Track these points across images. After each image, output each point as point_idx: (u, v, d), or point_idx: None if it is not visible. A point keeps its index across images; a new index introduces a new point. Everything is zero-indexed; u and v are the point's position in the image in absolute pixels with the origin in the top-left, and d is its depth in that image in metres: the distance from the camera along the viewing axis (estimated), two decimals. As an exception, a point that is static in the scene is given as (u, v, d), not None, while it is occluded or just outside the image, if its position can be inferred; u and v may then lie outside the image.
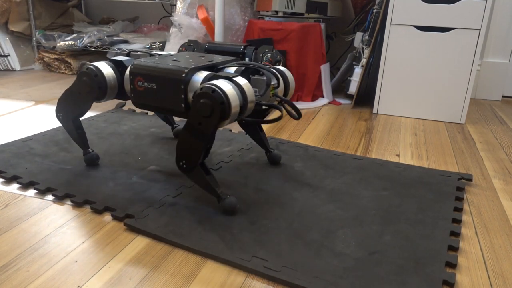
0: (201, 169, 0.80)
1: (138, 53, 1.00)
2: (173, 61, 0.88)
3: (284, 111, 0.86)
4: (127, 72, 0.91)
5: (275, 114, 1.48)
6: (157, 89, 0.84)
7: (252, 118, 0.99)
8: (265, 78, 0.87)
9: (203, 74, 0.82)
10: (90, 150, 0.99)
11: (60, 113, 0.98)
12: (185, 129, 0.79)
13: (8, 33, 2.14)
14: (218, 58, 0.93)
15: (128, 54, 1.00)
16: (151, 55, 0.98)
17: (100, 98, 0.92)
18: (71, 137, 0.99)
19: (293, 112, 0.85)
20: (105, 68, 0.92)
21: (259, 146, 1.16)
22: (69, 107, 0.96)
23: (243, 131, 1.29)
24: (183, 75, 0.81)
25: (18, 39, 2.18)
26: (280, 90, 0.94)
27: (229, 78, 0.79)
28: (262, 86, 0.88)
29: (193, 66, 0.83)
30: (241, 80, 0.79)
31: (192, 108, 0.77)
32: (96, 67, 0.91)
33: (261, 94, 0.87)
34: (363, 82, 1.68)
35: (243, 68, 0.88)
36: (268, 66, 0.91)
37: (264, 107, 0.96)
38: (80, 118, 0.99)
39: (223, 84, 0.76)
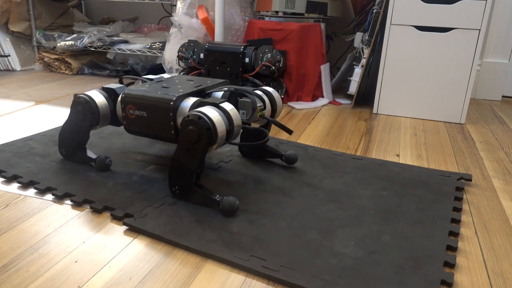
0: (194, 188, 0.82)
1: (130, 77, 1.05)
2: (162, 88, 0.91)
3: (271, 132, 0.94)
4: (119, 100, 0.94)
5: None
6: (148, 117, 0.88)
7: (243, 141, 1.05)
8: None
9: (191, 101, 0.86)
10: (95, 157, 0.97)
11: (63, 149, 1.01)
12: (176, 155, 0.82)
13: (8, 33, 2.15)
14: (206, 82, 0.97)
15: (120, 81, 1.04)
16: (143, 81, 1.02)
17: (94, 124, 0.95)
18: (78, 162, 1.00)
19: (284, 130, 0.93)
20: (97, 96, 0.95)
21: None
22: (69, 140, 0.99)
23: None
24: (171, 103, 0.84)
25: (19, 39, 2.19)
26: (268, 111, 0.97)
27: (216, 105, 0.82)
28: (249, 109, 0.92)
29: (181, 94, 0.86)
30: (227, 106, 0.83)
31: (180, 135, 0.80)
32: (88, 96, 0.95)
33: (247, 118, 0.92)
34: (363, 82, 1.68)
35: (230, 92, 0.93)
36: (253, 89, 0.96)
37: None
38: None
39: (209, 111, 0.79)
